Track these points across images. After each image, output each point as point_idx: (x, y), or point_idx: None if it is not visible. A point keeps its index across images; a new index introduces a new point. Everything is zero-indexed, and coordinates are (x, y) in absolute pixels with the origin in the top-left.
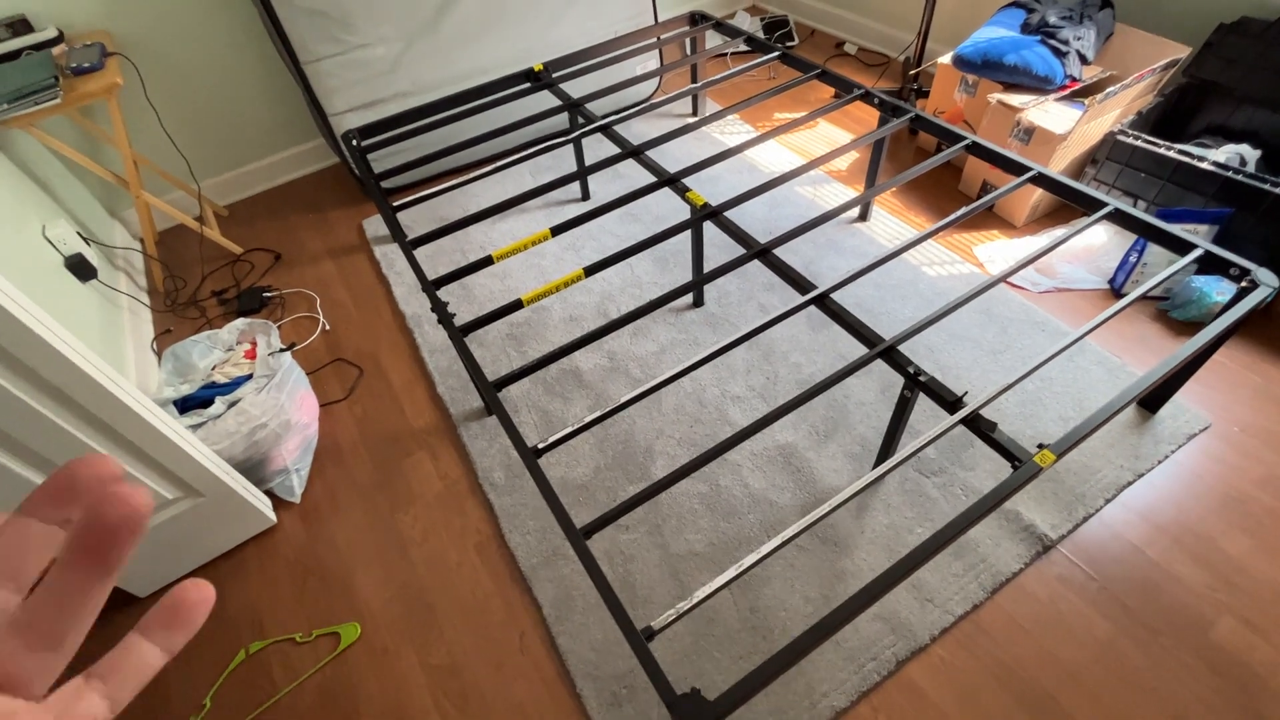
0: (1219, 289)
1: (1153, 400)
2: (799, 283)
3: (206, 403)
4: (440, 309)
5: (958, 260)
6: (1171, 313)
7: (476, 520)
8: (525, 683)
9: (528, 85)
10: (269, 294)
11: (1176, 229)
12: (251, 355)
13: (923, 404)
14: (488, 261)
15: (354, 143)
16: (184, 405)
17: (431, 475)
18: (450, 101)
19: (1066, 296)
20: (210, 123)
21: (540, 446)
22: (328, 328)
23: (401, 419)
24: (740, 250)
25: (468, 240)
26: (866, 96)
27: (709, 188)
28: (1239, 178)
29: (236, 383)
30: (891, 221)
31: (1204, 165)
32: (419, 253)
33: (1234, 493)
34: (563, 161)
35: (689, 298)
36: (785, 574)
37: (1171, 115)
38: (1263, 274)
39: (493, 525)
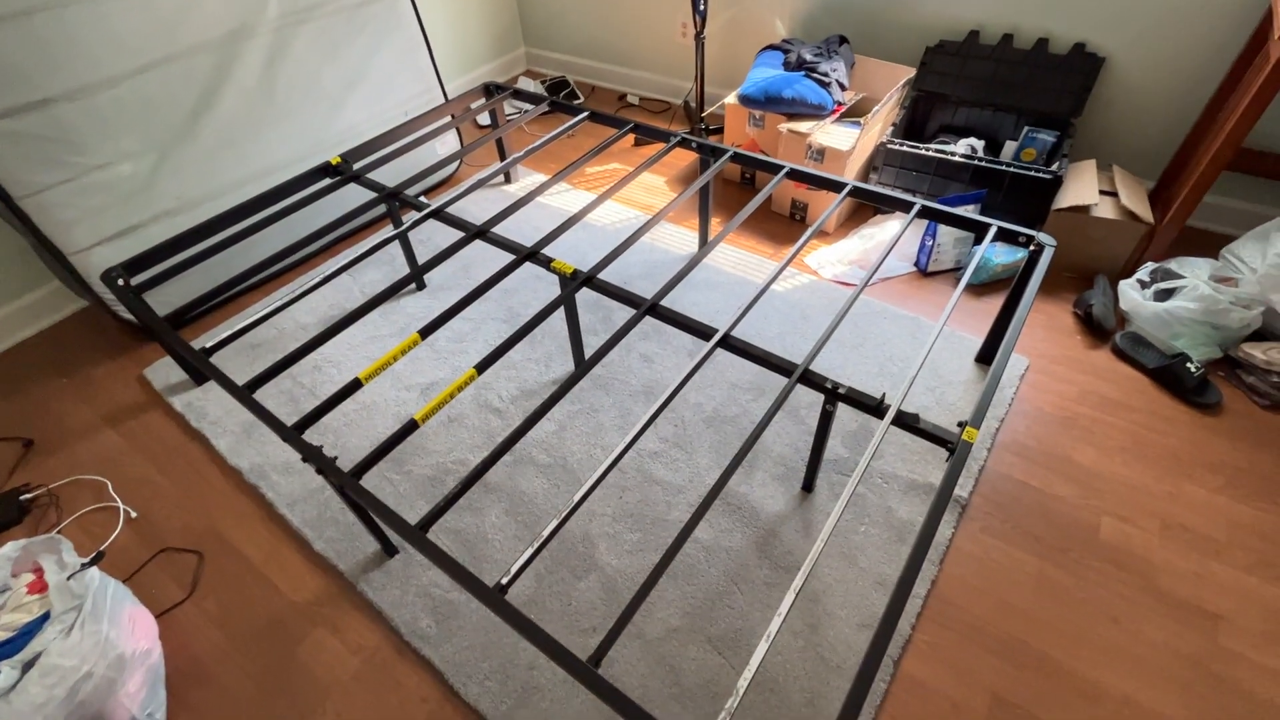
0: (997, 252)
1: (985, 355)
2: (694, 329)
3: None
4: (315, 456)
5: (795, 272)
6: (968, 280)
7: (418, 686)
8: None
9: (329, 182)
10: (28, 495)
11: (967, 213)
12: (39, 588)
13: (806, 403)
14: (356, 386)
15: (120, 283)
16: None
17: (340, 653)
18: (237, 213)
19: (888, 284)
20: None
21: (505, 582)
22: (133, 514)
23: (276, 599)
24: (605, 304)
25: (298, 366)
26: (684, 142)
27: (555, 254)
28: (982, 163)
29: (27, 632)
30: (726, 249)
31: (955, 158)
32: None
33: (1065, 412)
34: (382, 255)
35: (570, 365)
36: (764, 616)
37: (913, 122)
38: (1043, 237)
39: (440, 686)
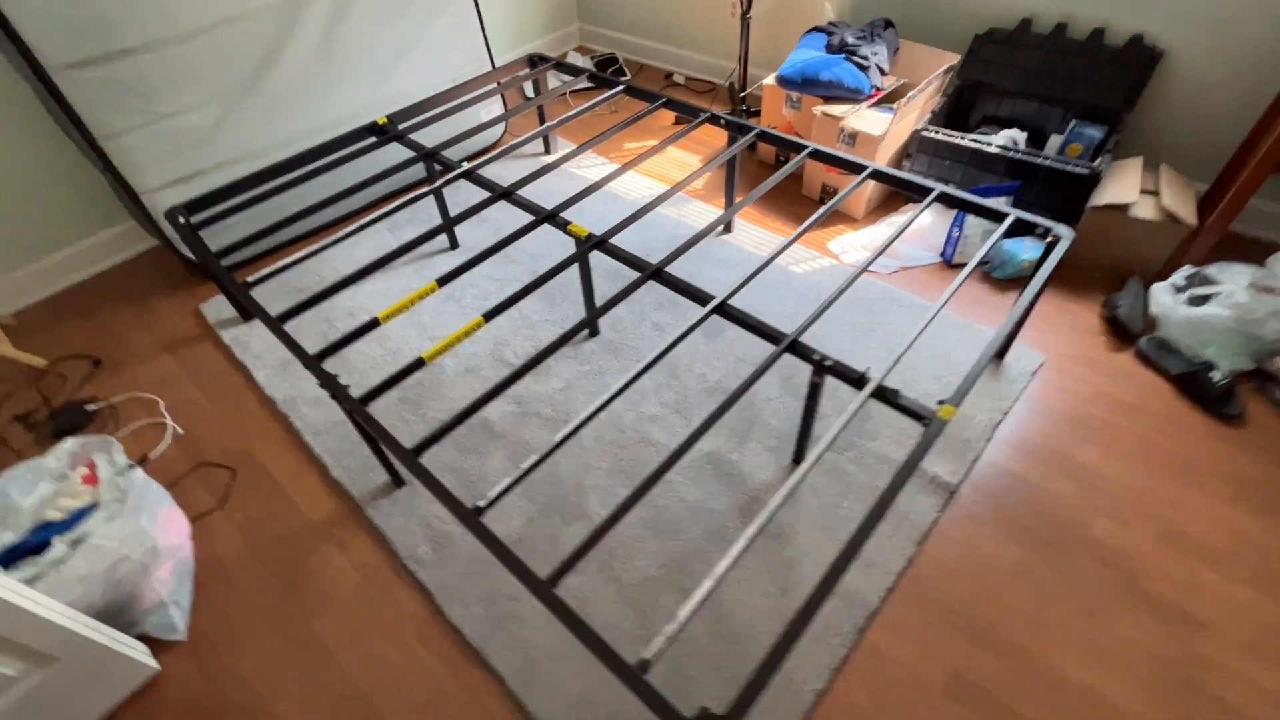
0: (1025, 248)
1: (1000, 349)
2: (695, 295)
3: (42, 547)
4: (330, 383)
5: (817, 255)
6: (994, 273)
7: (409, 605)
8: None
9: (374, 140)
10: (93, 407)
11: (988, 201)
12: (91, 480)
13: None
14: (374, 324)
15: (181, 220)
16: (11, 557)
17: (345, 568)
18: (289, 164)
19: (911, 273)
20: None
21: (482, 505)
22: (180, 431)
23: (294, 515)
24: (624, 275)
25: (333, 309)
26: (713, 119)
27: (579, 220)
28: (1018, 156)
29: (78, 516)
30: (752, 229)
31: (991, 149)
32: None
33: (1075, 412)
34: (419, 214)
35: (584, 330)
36: (738, 575)
37: (955, 111)
38: (1060, 229)
39: (429, 606)
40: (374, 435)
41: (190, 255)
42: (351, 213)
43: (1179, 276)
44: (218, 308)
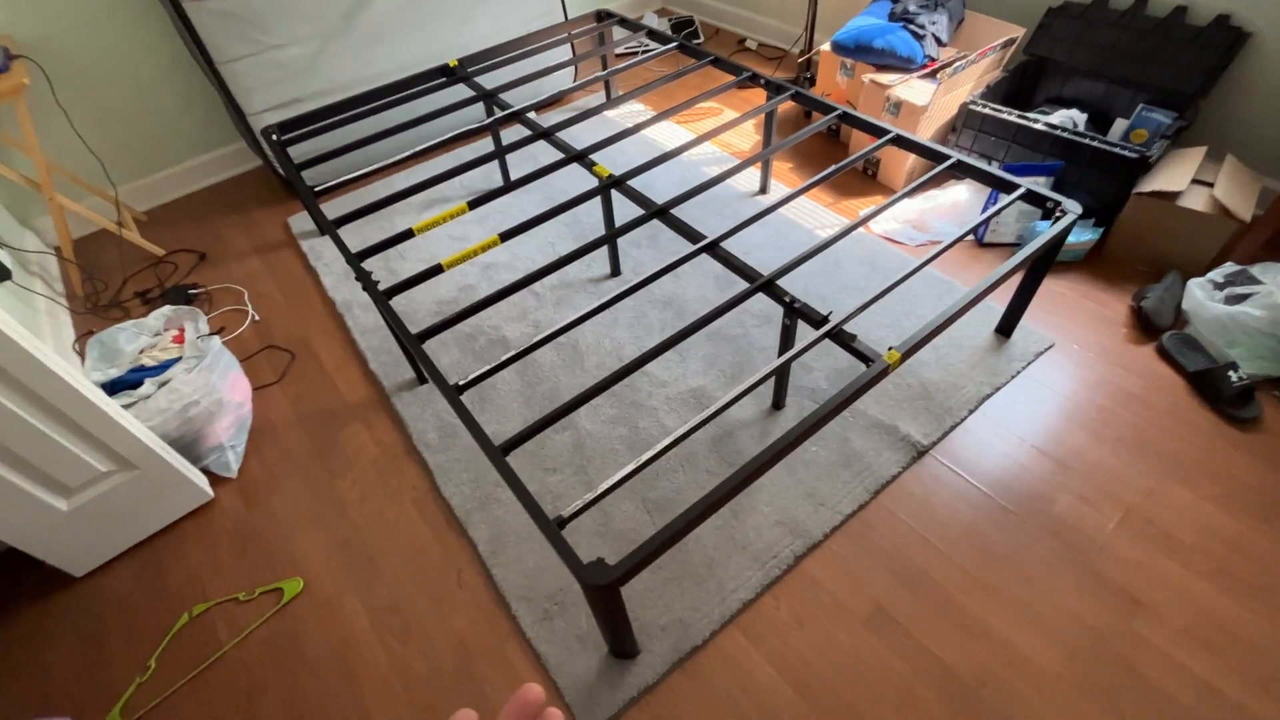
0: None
1: (1006, 326)
2: (694, 236)
3: (136, 385)
4: (364, 276)
5: (847, 223)
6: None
7: (413, 478)
8: (464, 612)
9: (443, 80)
10: (195, 291)
11: (1003, 174)
12: (180, 340)
13: (821, 349)
14: (408, 234)
15: (274, 137)
16: (113, 388)
17: (367, 443)
18: (368, 97)
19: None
20: (125, 126)
21: (461, 384)
22: (257, 318)
23: (335, 395)
24: (657, 228)
25: (393, 228)
26: (754, 78)
27: (621, 168)
28: (1065, 135)
29: (165, 365)
30: (788, 193)
31: (1037, 126)
32: (348, 240)
33: (1073, 396)
34: (483, 154)
35: (608, 268)
36: (697, 495)
37: (1018, 88)
38: (1068, 204)
39: (428, 481)
40: (390, 323)
41: (279, 168)
42: (423, 150)
43: (1219, 273)
44: (301, 221)
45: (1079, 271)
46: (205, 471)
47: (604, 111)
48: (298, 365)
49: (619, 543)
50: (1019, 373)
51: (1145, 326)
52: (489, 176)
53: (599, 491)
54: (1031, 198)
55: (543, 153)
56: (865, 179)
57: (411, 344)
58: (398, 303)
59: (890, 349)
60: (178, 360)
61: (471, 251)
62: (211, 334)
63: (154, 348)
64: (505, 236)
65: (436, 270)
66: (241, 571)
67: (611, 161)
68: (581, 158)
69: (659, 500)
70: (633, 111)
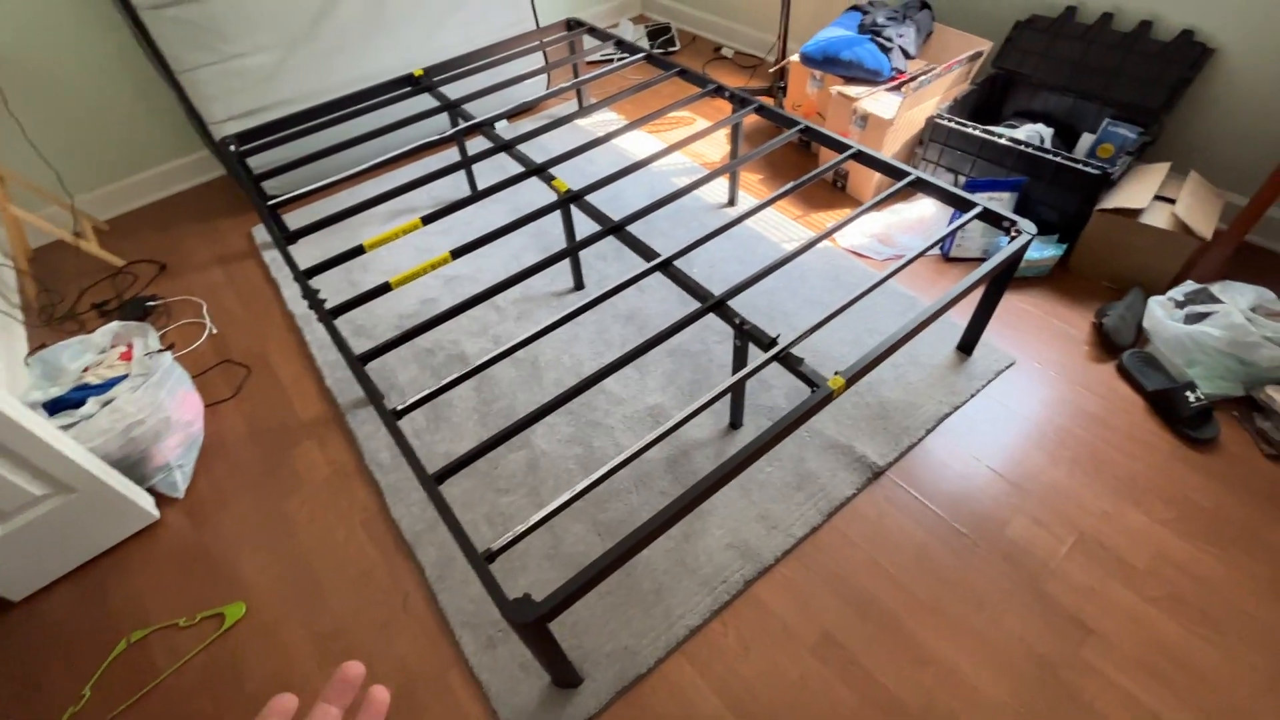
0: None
1: (967, 343)
2: (648, 254)
3: (78, 404)
4: (310, 295)
5: (813, 235)
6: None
7: (363, 499)
8: (408, 638)
9: (408, 89)
10: (152, 303)
11: (960, 192)
12: (127, 357)
13: (779, 372)
14: (359, 251)
15: (231, 148)
16: (54, 407)
17: (319, 461)
18: (330, 106)
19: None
20: (86, 134)
21: (399, 409)
22: (214, 331)
23: (290, 412)
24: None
25: (357, 239)
26: (718, 91)
27: (591, 177)
28: (1029, 150)
29: (111, 383)
30: (753, 204)
31: (1001, 141)
32: (305, 255)
33: (1031, 416)
34: (449, 165)
35: (570, 282)
36: (650, 516)
37: (986, 101)
38: (1023, 224)
39: (378, 501)
40: (336, 343)
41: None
42: (387, 160)
43: (1180, 291)
44: (265, 230)
45: (1043, 287)
46: (152, 491)
47: (576, 120)
48: (254, 380)
49: (568, 567)
50: (978, 391)
51: (1106, 344)
52: (457, 186)
53: (530, 524)
54: (988, 216)
55: (510, 163)
56: (834, 191)
57: (354, 365)
58: (357, 315)
59: (835, 374)
60: (124, 378)
61: (421, 269)
62: (163, 350)
63: (100, 365)
64: (456, 254)
65: (384, 289)
66: (185, 595)
67: (581, 171)
68: (540, 171)
69: (610, 522)
70: (605, 120)
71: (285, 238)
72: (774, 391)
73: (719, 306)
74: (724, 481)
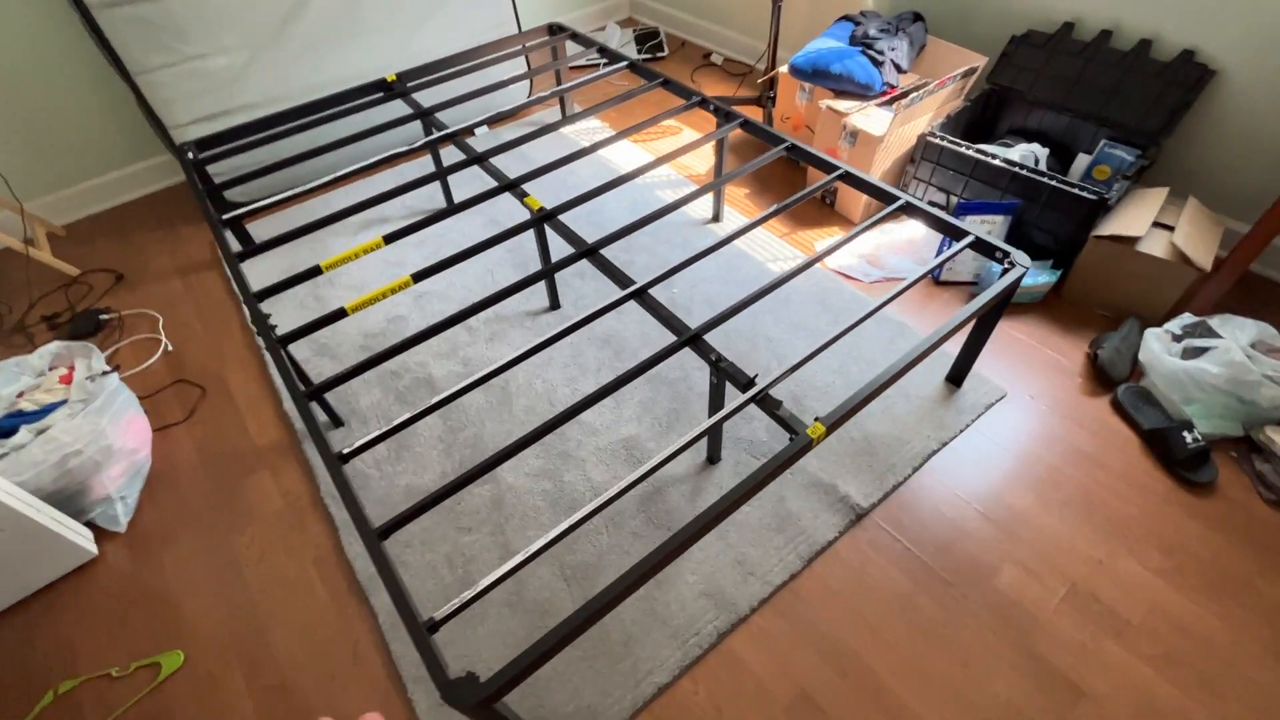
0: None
1: (957, 375)
2: (623, 280)
3: (10, 432)
4: (260, 320)
5: (800, 255)
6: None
7: (316, 535)
8: (358, 692)
9: (380, 95)
10: (106, 316)
11: (951, 219)
12: (67, 380)
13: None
14: (316, 271)
15: (190, 155)
16: None
17: (272, 493)
18: (297, 112)
19: (894, 285)
20: (41, 136)
21: (346, 452)
22: (170, 349)
23: (244, 438)
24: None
25: (327, 251)
26: (703, 103)
27: (571, 189)
28: (1024, 172)
29: (48, 409)
30: (743, 222)
31: (996, 162)
32: (271, 266)
33: (1023, 454)
34: (424, 175)
35: (546, 302)
36: (620, 562)
37: (980, 119)
38: (1018, 255)
39: (333, 539)
40: (284, 376)
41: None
42: (358, 169)
43: (1177, 323)
44: (228, 239)
45: (1037, 314)
46: (91, 525)
47: (560, 129)
48: (208, 402)
49: (531, 614)
50: (968, 426)
51: (1101, 377)
52: (433, 196)
53: (477, 590)
54: (980, 245)
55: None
56: (823, 207)
57: (298, 400)
58: (320, 334)
59: (816, 420)
60: (62, 404)
61: (380, 294)
62: (108, 371)
63: (36, 389)
64: (418, 277)
65: (340, 314)
66: (120, 641)
67: (563, 183)
68: (513, 187)
69: (578, 565)
70: (589, 128)
71: (238, 254)
72: (754, 424)
73: (694, 341)
74: (697, 537)
